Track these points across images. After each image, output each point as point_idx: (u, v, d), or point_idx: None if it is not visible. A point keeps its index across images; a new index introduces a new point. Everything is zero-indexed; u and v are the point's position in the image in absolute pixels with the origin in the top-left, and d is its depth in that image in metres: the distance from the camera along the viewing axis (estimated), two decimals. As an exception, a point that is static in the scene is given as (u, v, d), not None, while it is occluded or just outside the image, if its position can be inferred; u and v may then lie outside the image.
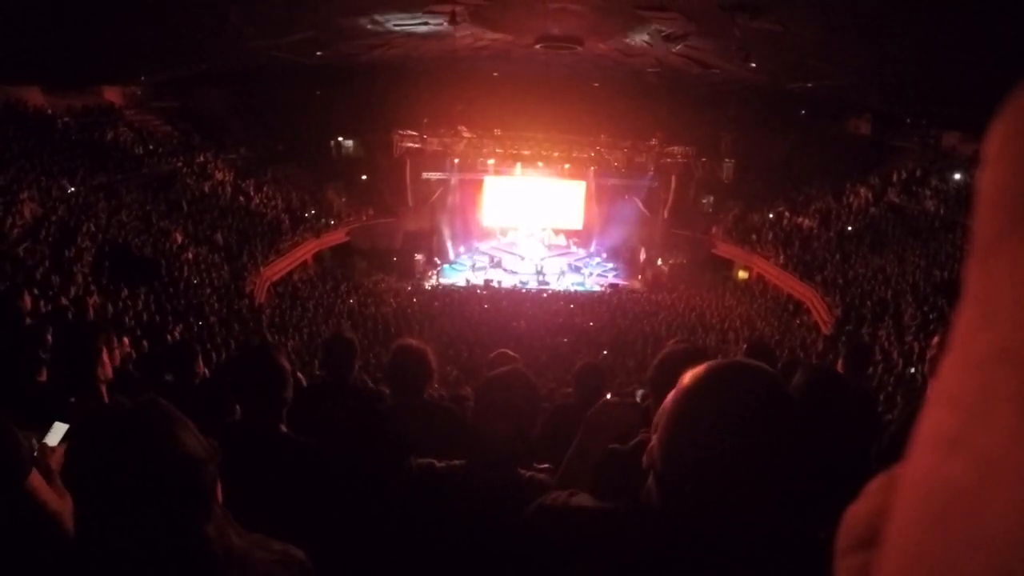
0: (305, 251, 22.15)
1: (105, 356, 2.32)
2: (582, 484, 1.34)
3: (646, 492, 1.03)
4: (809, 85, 18.59)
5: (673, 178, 25.97)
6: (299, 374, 4.39)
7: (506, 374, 1.85)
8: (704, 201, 26.97)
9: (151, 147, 21.49)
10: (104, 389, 2.31)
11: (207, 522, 1.01)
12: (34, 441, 1.71)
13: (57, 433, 1.82)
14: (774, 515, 0.96)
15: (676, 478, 0.96)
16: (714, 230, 25.62)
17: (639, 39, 16.04)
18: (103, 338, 2.35)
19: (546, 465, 1.88)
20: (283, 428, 2.06)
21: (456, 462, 1.75)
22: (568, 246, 27.46)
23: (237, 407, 2.38)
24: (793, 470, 0.96)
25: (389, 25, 15.63)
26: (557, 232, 27.64)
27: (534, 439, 1.86)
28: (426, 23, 15.41)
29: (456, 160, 25.96)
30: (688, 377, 0.99)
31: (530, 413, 1.78)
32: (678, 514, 0.97)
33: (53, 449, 1.69)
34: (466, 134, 25.41)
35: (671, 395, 1.00)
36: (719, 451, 0.92)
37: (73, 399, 2.05)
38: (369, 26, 15.46)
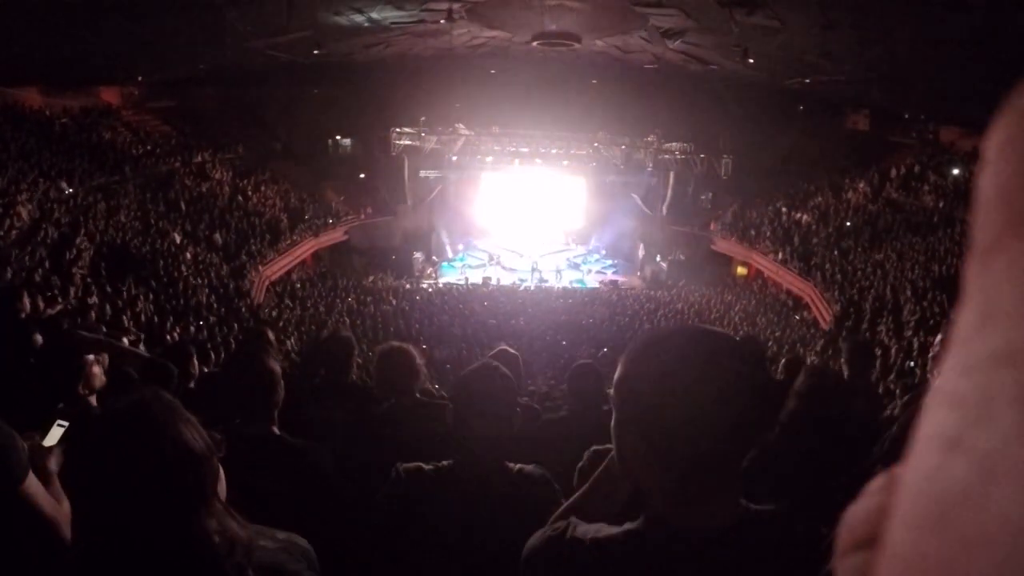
0: (304, 250, 22.12)
1: (94, 369, 2.30)
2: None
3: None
4: (807, 81, 18.55)
5: (671, 174, 25.94)
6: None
7: (476, 372, 1.82)
8: (703, 197, 26.91)
9: (149, 147, 21.45)
10: (93, 398, 2.29)
11: (208, 516, 1.01)
12: (36, 438, 1.70)
13: (55, 434, 1.81)
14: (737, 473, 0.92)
15: (633, 431, 0.92)
16: (713, 226, 25.60)
17: (636, 35, 16.01)
18: (88, 357, 2.30)
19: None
20: (275, 430, 2.07)
21: (443, 463, 1.75)
22: (567, 243, 27.45)
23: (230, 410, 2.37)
24: (751, 425, 0.90)
25: (386, 23, 15.59)
26: (556, 229, 27.61)
27: (518, 435, 1.83)
28: (423, 21, 15.38)
29: (454, 158, 25.89)
30: (635, 340, 0.98)
31: (507, 407, 1.77)
32: (651, 486, 0.92)
33: (51, 450, 1.68)
34: (464, 132, 25.34)
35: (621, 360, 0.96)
36: (670, 398, 0.86)
37: (61, 405, 2.03)
38: (366, 24, 15.42)
